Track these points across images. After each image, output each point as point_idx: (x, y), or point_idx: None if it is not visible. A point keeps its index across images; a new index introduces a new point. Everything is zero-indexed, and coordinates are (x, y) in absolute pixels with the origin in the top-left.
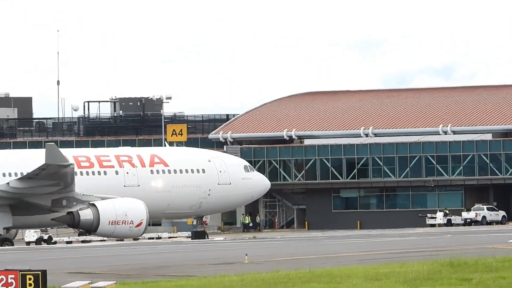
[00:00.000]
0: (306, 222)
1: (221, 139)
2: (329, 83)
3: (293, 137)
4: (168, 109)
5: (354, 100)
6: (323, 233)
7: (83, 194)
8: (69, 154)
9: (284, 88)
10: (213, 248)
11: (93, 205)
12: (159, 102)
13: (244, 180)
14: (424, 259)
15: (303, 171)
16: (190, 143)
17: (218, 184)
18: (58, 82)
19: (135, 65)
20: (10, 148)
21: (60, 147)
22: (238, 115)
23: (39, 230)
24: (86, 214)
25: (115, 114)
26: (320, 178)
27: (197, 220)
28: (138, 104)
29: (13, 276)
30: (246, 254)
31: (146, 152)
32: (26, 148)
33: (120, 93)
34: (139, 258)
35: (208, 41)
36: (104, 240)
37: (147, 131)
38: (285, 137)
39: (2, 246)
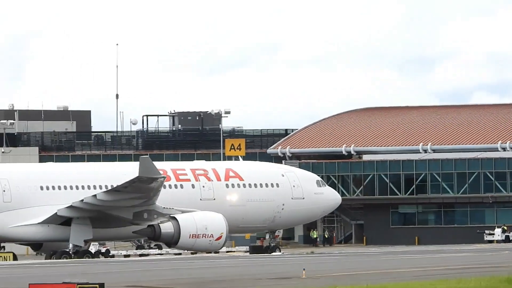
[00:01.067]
0: (364, 238)
1: (279, 154)
2: (386, 100)
3: (352, 152)
4: (226, 124)
5: (413, 116)
6: (381, 249)
7: (164, 207)
8: None
9: (342, 104)
10: (270, 262)
11: (174, 218)
12: (217, 117)
13: (317, 195)
14: (481, 275)
15: (362, 187)
16: (248, 157)
17: (292, 198)
18: (117, 96)
19: (194, 79)
20: (68, 161)
21: (118, 161)
22: (296, 130)
23: (97, 243)
24: (167, 227)
25: (173, 128)
26: (378, 193)
27: (270, 235)
28: (197, 118)
29: None
30: (304, 269)
31: (221, 166)
32: (85, 161)
33: (179, 107)
34: (197, 272)
35: (268, 56)
36: (162, 254)
37: (205, 145)
38: (344, 152)
39: (83, 258)
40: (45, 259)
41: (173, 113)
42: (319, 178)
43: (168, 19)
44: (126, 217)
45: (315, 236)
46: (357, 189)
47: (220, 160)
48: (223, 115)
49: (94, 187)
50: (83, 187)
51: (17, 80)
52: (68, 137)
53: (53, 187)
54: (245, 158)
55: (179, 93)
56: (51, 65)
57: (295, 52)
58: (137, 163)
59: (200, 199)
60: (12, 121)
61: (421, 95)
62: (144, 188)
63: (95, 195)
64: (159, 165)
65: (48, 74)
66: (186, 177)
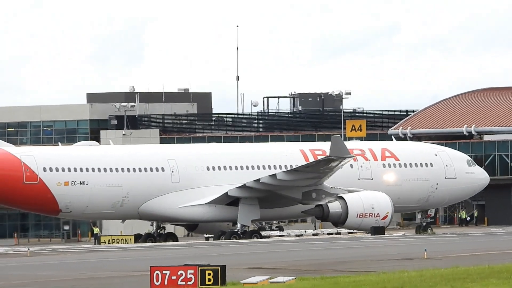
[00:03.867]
0: (485, 218)
1: (400, 135)
2: (507, 79)
3: (473, 132)
4: (347, 105)
5: None
6: (503, 229)
7: (331, 187)
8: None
9: (463, 84)
10: (392, 244)
11: (341, 197)
12: (338, 98)
13: (468, 174)
14: None
15: (483, 167)
16: (369, 138)
17: (445, 178)
18: (237, 78)
19: (314, 61)
20: (190, 143)
21: (239, 142)
22: (417, 111)
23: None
24: (334, 207)
25: (294, 110)
26: (499, 174)
27: (422, 214)
28: (318, 99)
29: (192, 271)
30: (425, 250)
31: (377, 146)
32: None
33: (300, 88)
34: (318, 254)
35: (389, 37)
36: (283, 236)
37: (326, 126)
38: (465, 132)
39: (251, 238)
40: (213, 239)
41: (293, 95)
42: (469, 158)
43: (287, 1)
44: (295, 197)
45: (464, 216)
46: None
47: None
48: (344, 96)
49: (258, 167)
50: (247, 168)
51: (138, 62)
52: (189, 119)
53: (219, 168)
54: (366, 139)
55: (299, 75)
56: (172, 47)
57: (416, 32)
58: (286, 143)
59: (358, 179)
60: (133, 103)
61: None
62: (326, 168)
63: (274, 175)
64: (317, 145)
65: (169, 56)
66: None
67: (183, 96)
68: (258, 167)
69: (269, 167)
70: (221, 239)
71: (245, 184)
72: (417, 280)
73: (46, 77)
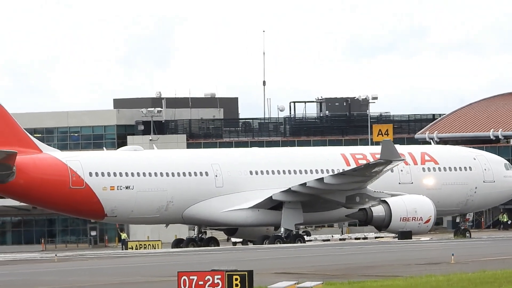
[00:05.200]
0: None
1: (427, 139)
2: None
3: (500, 137)
4: (374, 109)
5: None
6: None
7: (374, 191)
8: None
9: (490, 88)
10: (419, 248)
11: (384, 201)
12: (365, 102)
13: (506, 178)
14: None
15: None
16: (396, 143)
17: (484, 181)
18: (264, 83)
19: (340, 65)
20: (217, 148)
21: (265, 147)
22: (444, 115)
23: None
24: (378, 211)
25: (321, 114)
26: None
27: (460, 218)
28: (344, 104)
29: (219, 276)
30: (453, 254)
31: (417, 150)
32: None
33: (326, 93)
34: (345, 259)
35: (415, 41)
36: (311, 241)
37: (353, 131)
38: (491, 136)
39: (295, 243)
40: (255, 244)
41: (320, 99)
42: (506, 161)
43: (313, 5)
44: (339, 200)
45: (505, 219)
46: None
47: (367, 145)
48: (370, 100)
49: (300, 171)
50: (289, 172)
51: (164, 68)
52: (216, 124)
53: (262, 172)
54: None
55: (326, 79)
56: (198, 52)
57: (443, 36)
58: (327, 147)
59: (399, 183)
60: (159, 108)
61: None
62: (375, 171)
63: (321, 179)
64: (358, 149)
65: (195, 61)
66: None
67: (210, 101)
68: (300, 172)
69: (311, 171)
70: (265, 244)
71: (290, 188)
72: (444, 284)
73: (73, 82)
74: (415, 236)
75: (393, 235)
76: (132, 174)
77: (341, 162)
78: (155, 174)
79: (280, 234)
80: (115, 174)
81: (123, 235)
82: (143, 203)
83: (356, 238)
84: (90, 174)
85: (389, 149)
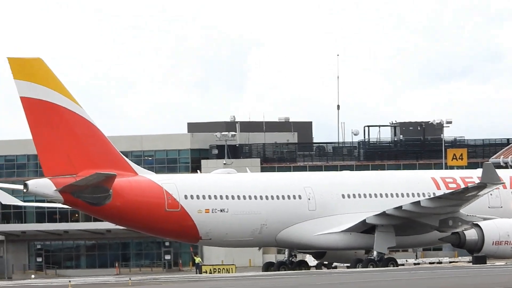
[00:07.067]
0: None
1: (501, 164)
2: None
3: None
4: (448, 133)
5: None
6: None
7: (467, 215)
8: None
9: None
10: (493, 273)
11: (476, 225)
12: (439, 127)
13: None
14: None
15: None
16: (470, 167)
17: None
18: (338, 107)
19: (415, 89)
20: (291, 171)
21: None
22: None
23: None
24: (471, 234)
25: (395, 139)
26: None
27: None
28: (419, 128)
29: None
30: None
31: (505, 174)
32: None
33: (400, 117)
34: (419, 283)
35: (490, 65)
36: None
37: (427, 155)
38: None
39: (387, 266)
40: (349, 267)
41: (394, 123)
42: None
43: (388, 28)
44: (433, 224)
45: None
46: None
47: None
48: (444, 125)
49: (391, 195)
50: (381, 195)
51: (238, 92)
52: (290, 148)
53: (354, 195)
54: (467, 167)
55: (400, 103)
56: (272, 76)
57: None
58: (417, 171)
59: (489, 207)
60: (233, 132)
61: None
62: (471, 195)
63: (417, 202)
64: (448, 173)
65: (270, 85)
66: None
67: (284, 125)
68: (392, 195)
69: (402, 195)
70: (358, 267)
71: (385, 211)
72: None
73: (147, 106)
74: (499, 260)
75: (468, 259)
76: (227, 197)
77: (431, 186)
78: (249, 197)
79: (373, 258)
80: (210, 197)
81: (197, 259)
82: (237, 226)
83: (430, 263)
84: (186, 197)
85: (490, 173)
